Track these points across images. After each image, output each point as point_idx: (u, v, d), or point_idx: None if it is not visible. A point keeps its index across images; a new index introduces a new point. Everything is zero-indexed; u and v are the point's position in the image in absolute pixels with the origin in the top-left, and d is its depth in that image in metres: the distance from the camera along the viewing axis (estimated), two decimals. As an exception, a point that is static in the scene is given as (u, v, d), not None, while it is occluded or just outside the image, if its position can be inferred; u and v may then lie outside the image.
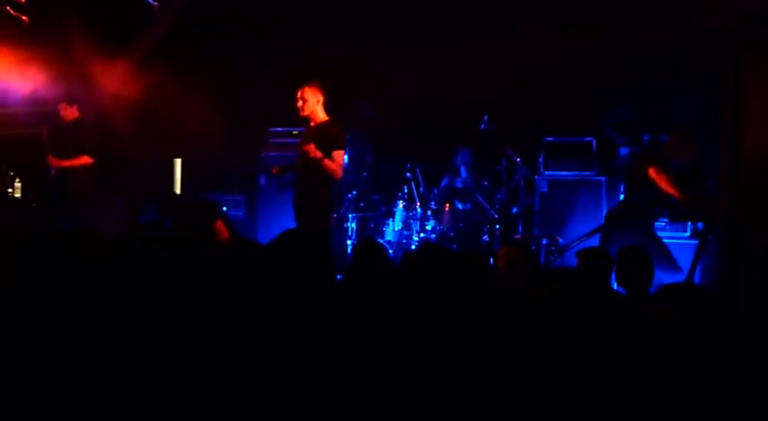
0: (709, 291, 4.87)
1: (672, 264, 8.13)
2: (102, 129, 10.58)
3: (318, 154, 8.09)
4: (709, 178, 8.53)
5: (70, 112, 9.98)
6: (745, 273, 6.75)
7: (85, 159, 9.85)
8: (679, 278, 7.85)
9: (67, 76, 10.41)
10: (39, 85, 10.19)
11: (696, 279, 7.93)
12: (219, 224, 7.09)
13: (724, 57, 6.89)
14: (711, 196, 8.18)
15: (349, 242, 10.38)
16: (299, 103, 8.35)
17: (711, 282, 8.19)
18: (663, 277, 7.93)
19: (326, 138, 8.22)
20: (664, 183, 8.09)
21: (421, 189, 10.66)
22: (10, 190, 10.07)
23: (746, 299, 5.77)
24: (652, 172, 8.14)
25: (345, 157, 9.35)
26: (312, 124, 8.44)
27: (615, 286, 5.98)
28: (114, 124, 10.86)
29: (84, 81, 10.64)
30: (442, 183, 10.91)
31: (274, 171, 8.80)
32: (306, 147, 8.16)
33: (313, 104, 8.33)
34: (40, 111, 10.31)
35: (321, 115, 8.39)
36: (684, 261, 8.20)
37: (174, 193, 8.86)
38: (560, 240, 9.77)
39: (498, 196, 10.62)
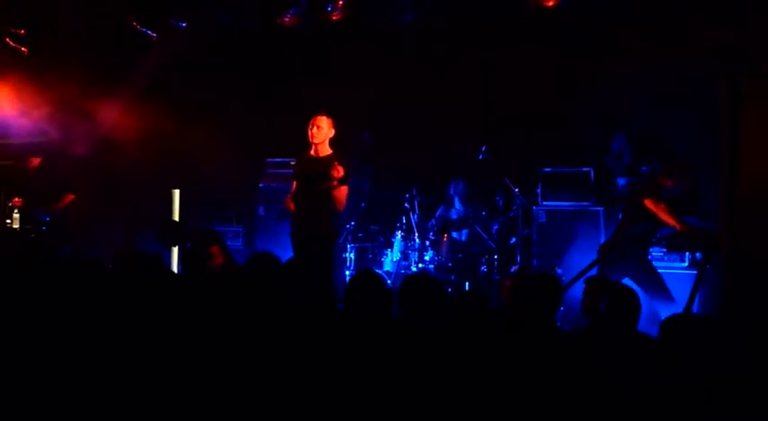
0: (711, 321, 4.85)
1: (667, 295, 8.14)
2: (99, 160, 10.60)
3: (340, 172, 8.09)
4: (702, 205, 8.55)
5: (35, 162, 10.01)
6: (745, 303, 6.74)
7: (69, 197, 9.85)
8: (674, 308, 7.84)
9: (64, 108, 10.43)
10: (38, 117, 10.21)
11: (695, 309, 7.92)
12: (216, 249, 7.13)
13: (722, 83, 6.90)
14: (709, 226, 8.19)
15: (348, 272, 10.36)
16: (314, 130, 8.36)
17: (710, 311, 8.18)
18: (658, 308, 7.94)
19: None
20: (663, 215, 8.12)
21: (416, 218, 10.64)
22: (9, 221, 10.05)
23: (746, 328, 5.75)
24: (648, 204, 8.17)
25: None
26: (314, 154, 8.44)
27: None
28: (111, 155, 10.87)
29: (81, 113, 10.67)
30: (437, 214, 10.91)
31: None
32: (335, 170, 8.12)
33: (325, 135, 8.38)
34: (40, 143, 10.32)
35: (327, 148, 8.43)
36: (683, 291, 8.20)
37: (174, 222, 8.86)
38: (558, 271, 9.75)
39: (495, 226, 10.61)
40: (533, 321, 5.04)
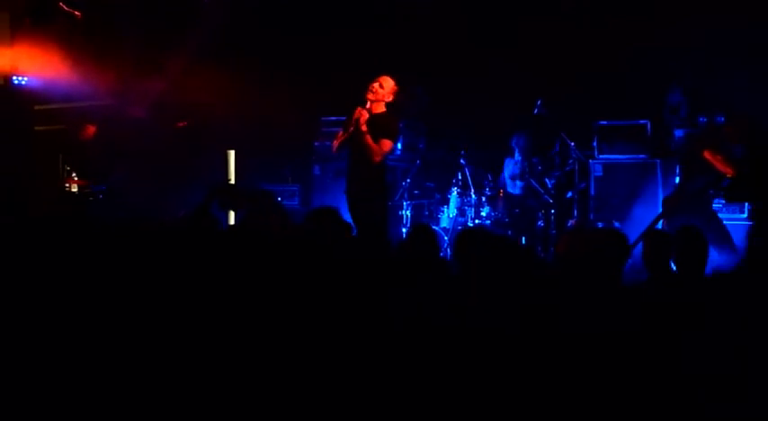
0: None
1: (731, 247, 8.10)
2: (155, 122, 10.69)
3: (364, 127, 8.13)
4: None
5: (90, 130, 10.10)
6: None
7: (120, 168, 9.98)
8: (736, 261, 7.80)
9: (121, 71, 10.50)
10: (95, 80, 10.29)
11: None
12: (273, 218, 7.19)
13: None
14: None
15: (404, 230, 10.38)
16: (375, 86, 8.32)
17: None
18: (719, 259, 7.89)
19: (380, 126, 8.26)
20: (719, 164, 8.10)
21: (475, 175, 10.61)
22: (67, 185, 10.17)
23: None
24: (707, 154, 8.15)
25: (398, 146, 9.39)
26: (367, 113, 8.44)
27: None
28: (167, 117, 10.96)
29: (138, 75, 10.74)
30: (504, 168, 10.89)
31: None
32: (360, 115, 8.19)
33: (383, 96, 8.34)
34: (97, 107, 10.41)
35: (381, 108, 8.41)
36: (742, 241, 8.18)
37: (231, 185, 8.91)
38: (616, 224, 9.69)
39: (552, 181, 10.55)
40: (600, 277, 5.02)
